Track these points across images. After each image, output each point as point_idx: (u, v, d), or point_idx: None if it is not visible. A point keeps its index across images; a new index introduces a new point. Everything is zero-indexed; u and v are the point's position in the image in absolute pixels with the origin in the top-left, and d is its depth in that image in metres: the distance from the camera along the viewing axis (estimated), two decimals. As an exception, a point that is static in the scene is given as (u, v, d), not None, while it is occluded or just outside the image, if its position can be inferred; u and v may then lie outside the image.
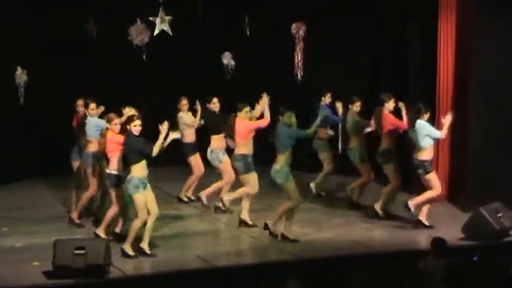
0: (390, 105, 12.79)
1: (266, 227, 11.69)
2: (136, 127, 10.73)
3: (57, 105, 14.69)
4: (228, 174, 13.06)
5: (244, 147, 12.29)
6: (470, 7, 13.16)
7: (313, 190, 14.19)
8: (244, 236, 12.02)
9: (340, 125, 14.16)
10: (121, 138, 11.06)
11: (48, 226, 12.38)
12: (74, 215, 12.38)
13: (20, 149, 15.10)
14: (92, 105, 12.28)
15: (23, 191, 14.81)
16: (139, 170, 10.72)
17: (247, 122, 12.36)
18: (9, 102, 14.60)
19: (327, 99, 13.98)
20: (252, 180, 12.31)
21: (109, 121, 11.50)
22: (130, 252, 10.78)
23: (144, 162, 10.73)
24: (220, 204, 12.85)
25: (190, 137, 13.65)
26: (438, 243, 9.13)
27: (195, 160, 13.64)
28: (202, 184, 13.63)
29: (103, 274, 10.04)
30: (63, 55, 15.35)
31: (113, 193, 11.49)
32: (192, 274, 10.46)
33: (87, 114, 12.33)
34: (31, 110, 14.80)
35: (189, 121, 13.51)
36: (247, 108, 12.36)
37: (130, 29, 15.21)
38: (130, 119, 10.85)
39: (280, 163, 11.39)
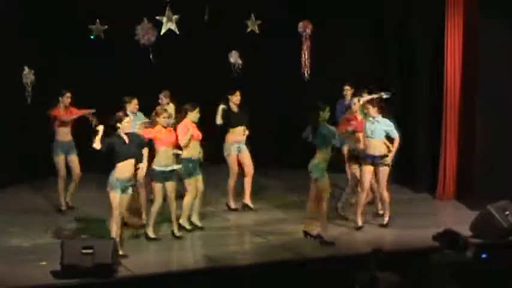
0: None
1: (305, 234, 11.61)
2: (127, 124, 10.75)
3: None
4: (234, 173, 13.08)
5: (186, 150, 11.92)
6: (476, 7, 13.15)
7: None
8: (251, 236, 12.02)
9: None
10: (168, 133, 11.44)
11: (56, 225, 12.40)
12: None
13: (30, 149, 15.09)
14: (135, 101, 12.60)
15: (32, 191, 14.83)
16: (120, 170, 10.66)
17: (191, 125, 11.94)
18: (17, 102, 14.61)
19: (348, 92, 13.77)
20: (190, 186, 11.95)
21: (158, 115, 11.61)
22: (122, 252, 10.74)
23: (126, 165, 10.66)
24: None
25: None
26: (449, 235, 8.98)
27: None
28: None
29: (111, 273, 10.05)
30: (70, 55, 15.37)
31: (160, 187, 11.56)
32: (199, 273, 10.46)
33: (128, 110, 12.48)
34: (39, 109, 14.80)
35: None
36: (197, 110, 11.96)
37: (137, 28, 15.21)
38: (120, 119, 10.82)
39: (318, 159, 11.34)
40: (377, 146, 12.04)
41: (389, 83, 15.03)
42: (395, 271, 8.28)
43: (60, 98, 13.17)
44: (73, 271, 9.92)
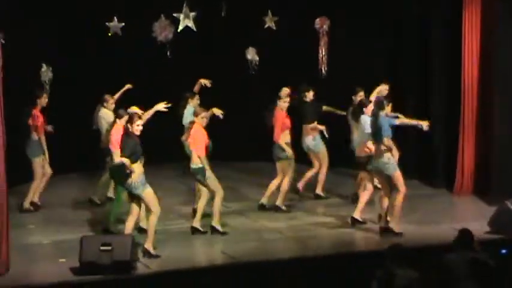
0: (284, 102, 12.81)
1: (385, 227, 11.55)
2: (139, 126, 10.65)
3: (82, 101, 14.72)
4: (326, 161, 13.35)
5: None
6: (494, 2, 13.10)
7: None
8: (270, 232, 12.02)
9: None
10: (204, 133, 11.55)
11: (75, 223, 12.45)
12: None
13: (50, 146, 15.12)
14: (197, 97, 12.97)
15: (50, 188, 14.86)
16: (140, 167, 10.66)
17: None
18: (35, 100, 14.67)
19: (358, 97, 13.41)
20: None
21: (196, 115, 11.70)
22: (153, 251, 10.74)
23: (141, 164, 10.71)
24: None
25: None
26: (464, 235, 9.00)
27: None
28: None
29: (129, 270, 10.09)
30: (88, 52, 15.42)
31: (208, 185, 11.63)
32: (218, 270, 10.49)
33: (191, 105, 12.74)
34: (57, 106, 14.86)
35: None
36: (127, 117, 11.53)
37: (155, 25, 15.25)
38: (132, 119, 10.72)
39: (387, 154, 11.28)
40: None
41: (407, 80, 14.99)
42: (414, 267, 8.27)
43: (38, 100, 13.16)
44: (92, 268, 9.97)
